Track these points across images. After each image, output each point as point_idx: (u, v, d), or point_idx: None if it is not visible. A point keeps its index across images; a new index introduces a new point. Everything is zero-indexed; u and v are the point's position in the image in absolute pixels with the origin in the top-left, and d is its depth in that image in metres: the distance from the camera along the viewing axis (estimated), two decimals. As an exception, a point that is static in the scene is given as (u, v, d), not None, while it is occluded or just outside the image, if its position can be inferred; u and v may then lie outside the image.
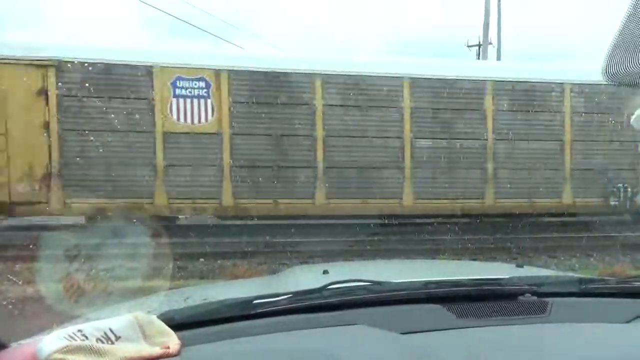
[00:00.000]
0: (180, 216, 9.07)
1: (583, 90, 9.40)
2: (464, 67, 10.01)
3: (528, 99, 9.35)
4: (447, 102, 9.07)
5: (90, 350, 0.78)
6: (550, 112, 9.42)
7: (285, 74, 8.65)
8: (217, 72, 8.44)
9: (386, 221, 8.88)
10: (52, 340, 0.79)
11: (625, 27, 0.67)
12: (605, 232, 9.22)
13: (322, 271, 1.55)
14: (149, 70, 8.22)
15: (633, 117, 0.76)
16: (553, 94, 9.43)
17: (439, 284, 1.19)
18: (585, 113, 9.47)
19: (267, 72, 8.59)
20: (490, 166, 9.30)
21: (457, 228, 8.85)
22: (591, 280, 1.30)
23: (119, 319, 0.89)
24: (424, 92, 9.07)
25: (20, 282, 5.62)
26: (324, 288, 1.11)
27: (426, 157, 9.12)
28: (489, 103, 9.19)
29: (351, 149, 8.86)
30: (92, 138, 8.05)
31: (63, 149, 8.02)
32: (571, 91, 9.43)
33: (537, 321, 1.04)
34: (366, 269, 2.31)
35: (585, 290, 1.18)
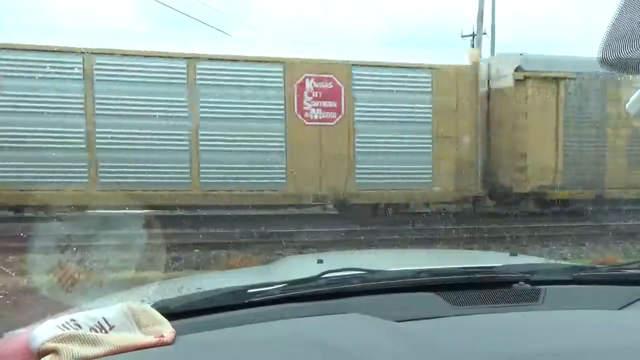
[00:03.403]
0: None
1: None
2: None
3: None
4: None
5: (83, 339, 0.77)
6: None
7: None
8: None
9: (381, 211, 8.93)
10: (45, 329, 0.78)
11: (620, 16, 0.67)
12: (597, 221, 9.33)
13: (316, 260, 1.55)
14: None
15: (628, 103, 0.76)
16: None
17: (433, 272, 1.20)
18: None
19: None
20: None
21: (451, 216, 8.90)
22: (583, 268, 1.32)
23: (113, 308, 0.88)
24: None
25: (13, 274, 5.60)
26: (318, 277, 1.11)
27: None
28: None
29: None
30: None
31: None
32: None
33: (530, 308, 1.05)
34: (360, 258, 2.32)
35: (578, 278, 1.19)
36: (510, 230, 8.59)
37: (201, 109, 8.51)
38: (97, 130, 8.22)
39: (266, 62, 8.71)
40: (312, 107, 8.83)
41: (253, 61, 8.70)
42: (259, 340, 0.89)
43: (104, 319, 0.85)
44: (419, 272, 1.18)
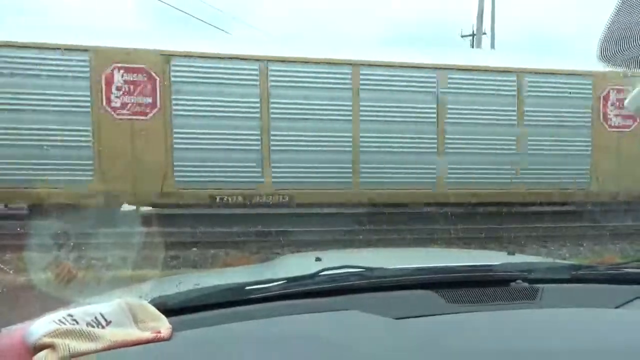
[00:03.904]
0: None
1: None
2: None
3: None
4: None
5: (80, 334, 0.77)
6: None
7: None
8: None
9: (380, 209, 8.93)
10: (41, 325, 0.78)
11: (619, 11, 0.67)
12: (595, 221, 9.36)
13: (314, 258, 1.55)
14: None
15: (627, 99, 0.76)
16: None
17: (431, 270, 1.20)
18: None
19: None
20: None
21: (450, 214, 8.92)
22: (581, 267, 1.32)
23: (110, 304, 0.88)
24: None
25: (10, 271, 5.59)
26: (316, 274, 1.11)
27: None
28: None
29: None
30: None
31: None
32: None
33: (528, 307, 1.05)
34: (359, 256, 2.32)
35: (576, 277, 1.19)
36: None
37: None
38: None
39: (577, 75, 9.64)
40: (613, 114, 9.90)
41: (563, 74, 9.60)
42: (256, 337, 0.89)
43: (101, 314, 0.85)
44: (417, 270, 1.18)
